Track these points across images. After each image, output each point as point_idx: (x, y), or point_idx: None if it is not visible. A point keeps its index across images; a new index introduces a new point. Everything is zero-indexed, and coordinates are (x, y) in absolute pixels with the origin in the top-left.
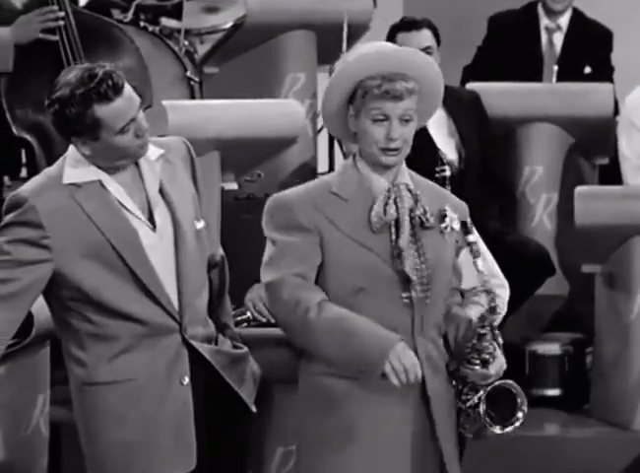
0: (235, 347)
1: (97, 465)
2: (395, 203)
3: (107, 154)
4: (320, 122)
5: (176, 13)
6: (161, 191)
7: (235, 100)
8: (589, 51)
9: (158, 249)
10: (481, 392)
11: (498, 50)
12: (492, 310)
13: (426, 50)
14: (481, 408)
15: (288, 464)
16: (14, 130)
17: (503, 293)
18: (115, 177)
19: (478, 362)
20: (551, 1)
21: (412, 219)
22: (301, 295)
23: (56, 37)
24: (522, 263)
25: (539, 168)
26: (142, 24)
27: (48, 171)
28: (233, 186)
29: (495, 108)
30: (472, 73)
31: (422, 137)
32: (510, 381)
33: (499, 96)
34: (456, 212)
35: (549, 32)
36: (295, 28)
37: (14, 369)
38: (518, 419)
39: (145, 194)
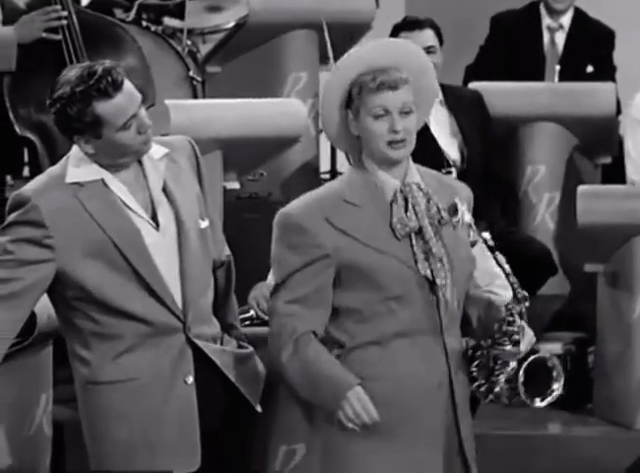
0: (240, 347)
1: (101, 464)
2: (413, 208)
3: (110, 151)
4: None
5: (179, 12)
6: (165, 190)
7: (238, 99)
8: (591, 51)
9: (161, 248)
10: (515, 366)
11: (500, 50)
12: (518, 301)
13: (429, 50)
14: (520, 382)
15: (292, 463)
16: (17, 129)
17: (506, 293)
18: (118, 176)
19: (508, 343)
20: (553, 0)
21: (430, 224)
22: (284, 329)
23: (59, 37)
24: (524, 262)
25: (541, 167)
26: (144, 23)
27: (51, 171)
28: (236, 186)
29: (498, 108)
30: (474, 73)
31: (425, 137)
32: (546, 355)
33: (502, 95)
34: (464, 202)
35: (551, 31)
36: (298, 27)
37: (17, 368)
38: (555, 390)
39: (148, 193)
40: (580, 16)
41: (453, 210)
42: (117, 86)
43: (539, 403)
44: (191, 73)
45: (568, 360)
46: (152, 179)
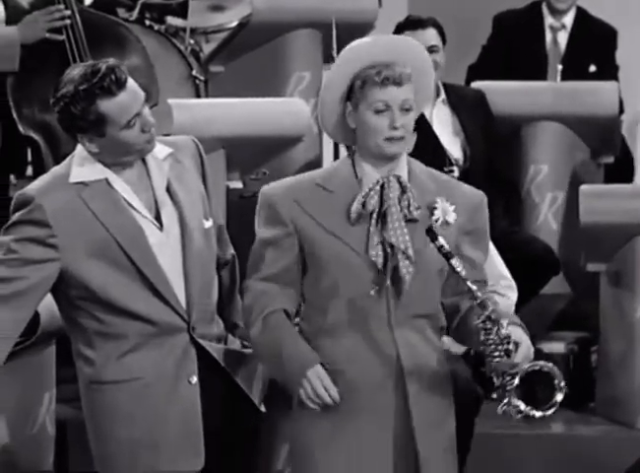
0: (245, 346)
1: (105, 463)
2: (380, 195)
3: (114, 150)
4: None
5: (182, 11)
6: (169, 190)
7: (241, 98)
8: (593, 50)
9: (164, 248)
10: (512, 378)
11: (503, 49)
12: (482, 306)
13: (432, 49)
14: (517, 394)
15: None
16: (20, 129)
17: (512, 294)
18: (122, 176)
19: (497, 354)
20: (556, 0)
21: (400, 210)
22: (255, 305)
23: (62, 37)
24: (527, 262)
25: (544, 166)
26: (147, 22)
27: (55, 171)
28: (239, 185)
29: (500, 107)
30: (477, 72)
31: (428, 135)
32: (543, 363)
33: (504, 94)
34: (456, 205)
35: (554, 30)
36: (301, 26)
37: (20, 367)
38: (557, 400)
39: (152, 193)
40: (582, 15)
41: (432, 208)
42: (121, 84)
43: (541, 412)
44: (194, 72)
45: (571, 359)
46: (155, 179)
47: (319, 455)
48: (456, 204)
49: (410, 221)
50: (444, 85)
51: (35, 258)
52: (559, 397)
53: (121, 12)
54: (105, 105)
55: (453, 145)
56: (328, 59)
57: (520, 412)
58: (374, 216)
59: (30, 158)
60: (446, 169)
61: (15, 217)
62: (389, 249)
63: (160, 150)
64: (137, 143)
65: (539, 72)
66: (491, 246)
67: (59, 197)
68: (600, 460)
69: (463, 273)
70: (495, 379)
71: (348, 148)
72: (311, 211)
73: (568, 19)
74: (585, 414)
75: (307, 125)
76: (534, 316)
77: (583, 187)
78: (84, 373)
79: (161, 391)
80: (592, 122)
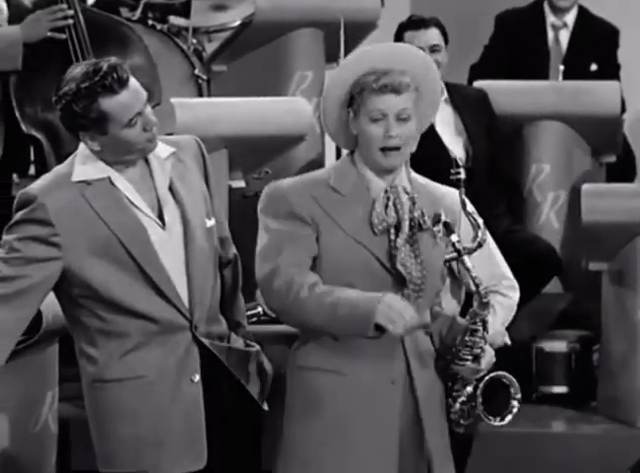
0: (247, 345)
1: (109, 462)
2: (394, 205)
3: (116, 148)
4: None
5: (184, 11)
6: (171, 189)
7: (243, 98)
8: (595, 49)
9: (167, 247)
10: (473, 386)
11: (505, 48)
12: (483, 306)
13: (434, 48)
14: (479, 401)
15: None
16: (23, 128)
17: (513, 294)
18: (125, 175)
19: (469, 357)
20: None
21: (410, 220)
22: (294, 279)
23: (65, 36)
24: (529, 261)
25: (546, 165)
26: (150, 22)
27: (58, 170)
28: (241, 184)
29: (503, 106)
30: (479, 72)
31: (430, 135)
32: (502, 372)
33: (507, 94)
34: (449, 212)
35: (555, 29)
36: (303, 26)
37: (23, 365)
38: (513, 408)
39: (155, 192)
40: (584, 14)
41: (436, 220)
42: (123, 82)
43: (497, 422)
44: (197, 72)
45: (573, 358)
46: (158, 178)
47: (324, 455)
48: (448, 210)
49: (422, 230)
50: (446, 84)
51: (38, 257)
52: (514, 408)
53: (124, 11)
54: (107, 104)
55: (455, 144)
56: (331, 58)
57: (467, 418)
58: (392, 230)
59: (32, 157)
60: (453, 171)
61: (17, 216)
62: (412, 260)
63: (163, 149)
64: (138, 142)
65: (540, 70)
66: (493, 246)
67: (62, 196)
68: (601, 459)
69: (473, 271)
70: (458, 383)
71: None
72: (330, 211)
73: (570, 17)
74: (586, 413)
75: (310, 124)
76: (536, 315)
77: (585, 186)
78: (86, 372)
79: (164, 389)
80: (594, 121)
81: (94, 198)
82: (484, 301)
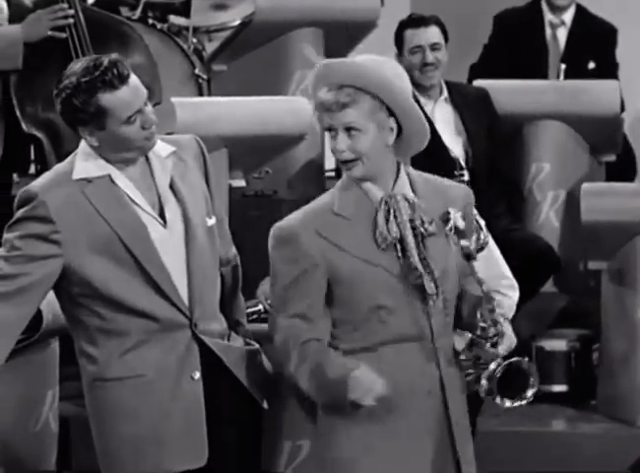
0: (247, 344)
1: (109, 460)
2: (395, 217)
3: (114, 145)
4: None
5: (185, 10)
6: (172, 188)
7: (243, 97)
8: (593, 47)
9: (168, 245)
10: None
11: (504, 48)
12: (491, 310)
13: (434, 47)
14: (495, 379)
15: (297, 459)
16: (23, 127)
17: (513, 293)
18: (125, 172)
19: (487, 344)
20: None
21: (414, 230)
22: (289, 339)
23: (66, 35)
24: (528, 260)
25: (546, 164)
26: (150, 21)
27: (58, 168)
28: (241, 183)
29: (503, 106)
30: (478, 71)
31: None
32: (523, 359)
33: (506, 93)
34: (458, 206)
35: (553, 27)
36: (303, 25)
37: (23, 364)
38: (527, 395)
39: (155, 190)
40: (582, 12)
41: (445, 219)
42: (123, 78)
43: (508, 404)
44: (197, 71)
45: (572, 357)
46: (159, 177)
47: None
48: (454, 203)
49: (429, 235)
50: (447, 83)
51: (39, 255)
52: (530, 393)
53: (124, 11)
54: (107, 99)
55: (455, 144)
56: (331, 58)
57: (490, 394)
58: (398, 244)
59: (33, 156)
60: (457, 174)
61: (18, 214)
62: (427, 275)
63: (163, 148)
64: (136, 139)
65: (538, 69)
66: (493, 245)
67: (62, 193)
68: (600, 458)
69: (478, 276)
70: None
71: None
72: (335, 240)
73: (568, 15)
74: (586, 412)
75: (309, 124)
76: (535, 314)
77: (584, 186)
78: (87, 371)
79: (165, 388)
80: (593, 121)
81: (94, 195)
82: (490, 308)
